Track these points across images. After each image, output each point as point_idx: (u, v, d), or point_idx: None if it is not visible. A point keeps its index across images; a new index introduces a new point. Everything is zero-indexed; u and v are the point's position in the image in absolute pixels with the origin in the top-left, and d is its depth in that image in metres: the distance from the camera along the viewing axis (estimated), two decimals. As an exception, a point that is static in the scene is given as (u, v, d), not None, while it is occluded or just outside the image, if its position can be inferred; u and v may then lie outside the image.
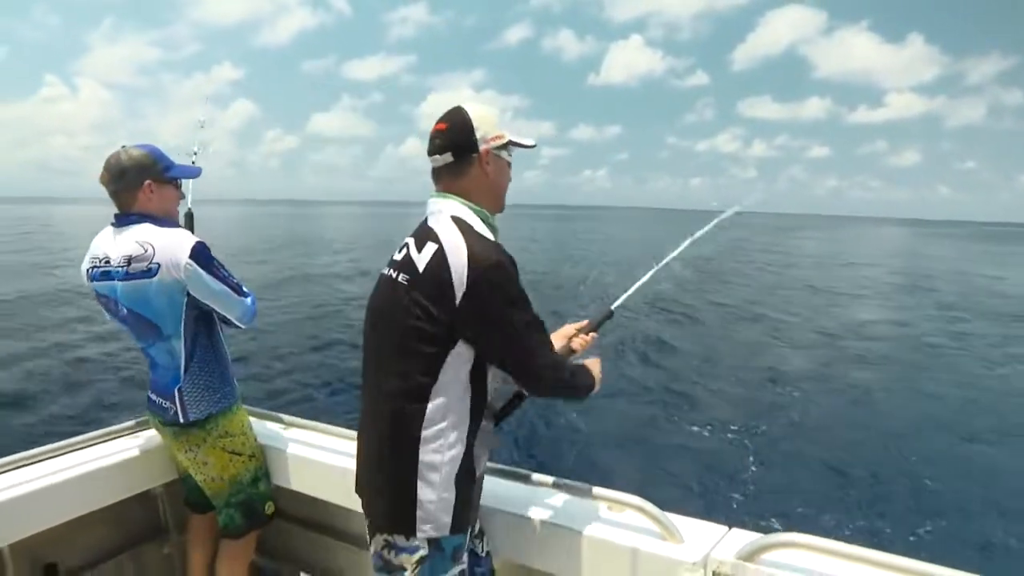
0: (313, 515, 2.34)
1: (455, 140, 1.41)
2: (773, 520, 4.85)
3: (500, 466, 1.78)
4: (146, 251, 1.82)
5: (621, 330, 12.89)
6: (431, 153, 1.44)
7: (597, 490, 1.65)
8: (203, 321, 1.95)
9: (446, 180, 1.43)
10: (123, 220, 1.91)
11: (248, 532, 2.11)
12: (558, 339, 1.68)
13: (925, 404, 8.47)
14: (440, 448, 1.31)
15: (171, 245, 1.83)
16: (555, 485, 1.69)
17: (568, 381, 1.43)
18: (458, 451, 1.33)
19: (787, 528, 1.41)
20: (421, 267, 1.31)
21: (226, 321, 1.98)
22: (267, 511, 2.14)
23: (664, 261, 1.92)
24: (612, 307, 1.78)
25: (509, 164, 1.50)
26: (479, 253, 1.28)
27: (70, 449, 2.10)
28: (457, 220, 1.36)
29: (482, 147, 1.41)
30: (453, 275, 1.27)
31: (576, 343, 1.68)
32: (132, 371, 8.43)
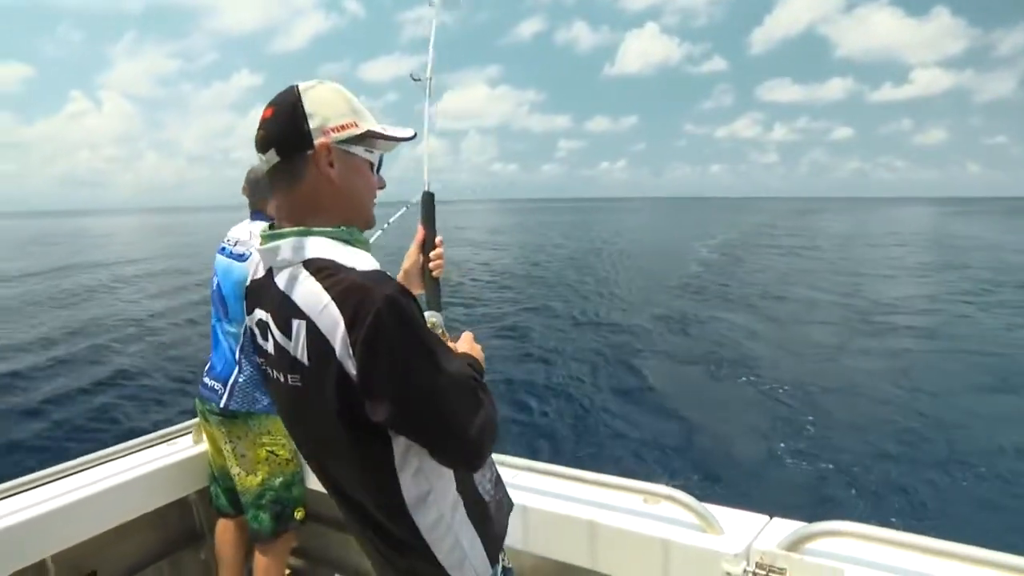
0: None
1: (280, 131, 1.03)
2: (815, 508, 4.78)
3: (534, 462, 1.78)
4: (251, 239, 2.05)
5: (652, 311, 12.82)
6: (257, 150, 1.06)
7: (632, 483, 1.64)
8: None
9: (278, 190, 1.07)
10: (254, 216, 2.18)
11: (276, 536, 2.12)
12: (411, 280, 1.41)
13: (969, 383, 8.26)
14: (433, 501, 1.07)
15: None
16: (590, 480, 1.68)
17: (496, 428, 1.06)
18: (460, 508, 1.11)
19: (830, 516, 1.38)
20: (305, 358, 0.98)
21: None
22: (297, 516, 2.15)
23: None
24: (426, 188, 1.46)
25: (372, 165, 1.11)
26: (354, 308, 0.92)
27: (108, 459, 2.15)
28: (313, 267, 0.99)
29: (318, 140, 1.02)
30: (338, 355, 0.93)
31: (436, 269, 1.39)
32: (165, 379, 8.63)
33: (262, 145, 1.04)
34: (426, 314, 1.24)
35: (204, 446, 2.26)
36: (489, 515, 1.19)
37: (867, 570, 1.30)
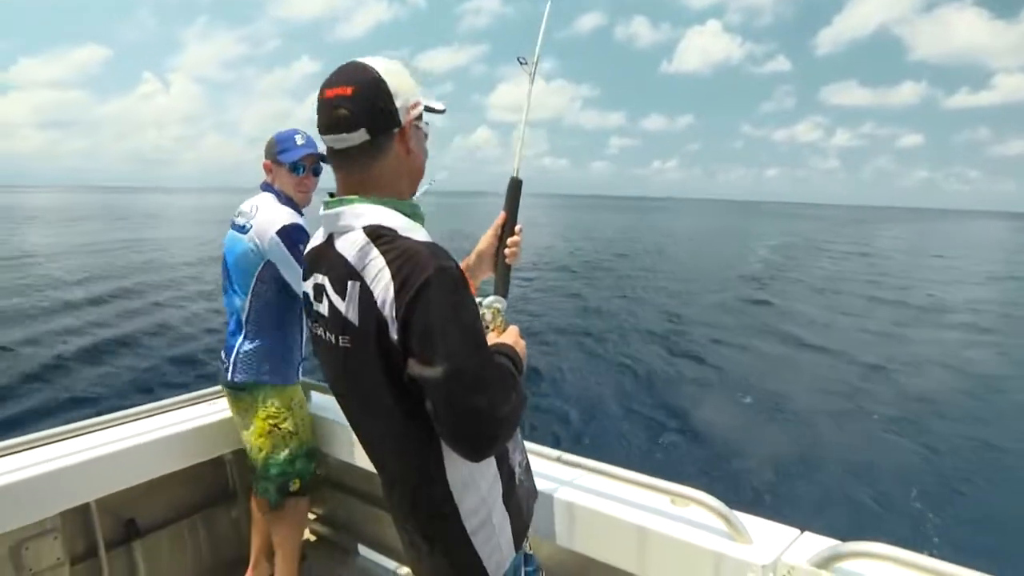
0: (370, 488, 2.41)
1: (370, 111, 1.03)
2: (849, 527, 4.61)
3: (565, 454, 1.77)
4: (251, 212, 2.06)
5: (701, 317, 12.58)
6: (332, 130, 1.04)
7: (661, 482, 1.61)
8: (276, 293, 2.06)
9: (354, 167, 1.07)
10: (263, 187, 2.16)
11: (280, 506, 2.15)
12: (482, 264, 1.41)
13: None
14: (480, 504, 1.11)
15: (268, 217, 2.02)
16: (617, 476, 1.66)
17: (518, 421, 1.08)
18: (497, 486, 1.14)
19: (863, 536, 1.33)
20: (356, 319, 1.01)
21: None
22: (292, 487, 2.15)
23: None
24: (515, 174, 1.43)
25: (427, 136, 1.16)
26: (406, 272, 0.96)
27: (149, 414, 2.25)
28: (373, 233, 1.02)
29: (403, 118, 1.06)
30: (385, 313, 0.97)
31: (509, 256, 1.38)
32: (210, 343, 9.03)
33: (347, 124, 1.02)
34: (491, 298, 1.28)
35: None
36: (519, 500, 1.21)
37: None
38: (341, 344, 1.05)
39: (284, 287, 2.05)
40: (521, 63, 1.45)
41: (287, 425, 2.13)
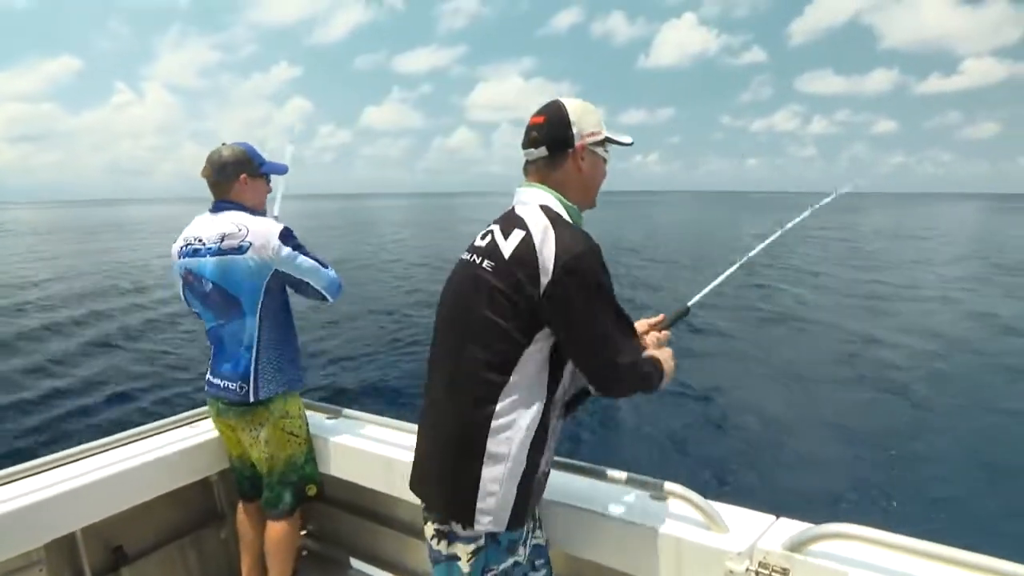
0: (362, 502, 2.44)
1: (551, 134, 1.39)
2: (824, 510, 4.68)
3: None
4: (240, 231, 2.03)
5: (672, 305, 12.66)
6: (526, 146, 1.43)
7: (638, 478, 1.65)
8: (279, 306, 2.10)
9: (539, 173, 1.42)
10: (219, 206, 2.12)
11: (293, 512, 2.19)
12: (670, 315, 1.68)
13: (991, 387, 7.95)
14: (509, 440, 1.29)
15: (263, 228, 2.04)
16: (596, 473, 1.69)
17: (645, 382, 1.37)
18: (526, 445, 1.30)
19: (837, 518, 1.37)
20: (507, 254, 1.29)
21: (318, 296, 2.13)
22: (309, 492, 2.23)
23: (748, 255, 1.86)
24: (689, 304, 1.73)
25: (605, 160, 1.48)
26: (568, 241, 1.26)
27: (133, 439, 2.24)
28: (546, 209, 1.35)
29: (578, 142, 1.40)
30: (540, 263, 1.25)
31: (649, 340, 1.59)
32: (185, 364, 8.88)
33: (534, 143, 1.41)
34: (666, 319, 1.63)
35: None
36: (532, 490, 1.35)
37: (871, 574, 1.29)
38: (483, 265, 1.33)
39: (285, 298, 2.13)
40: (741, 267, 1.86)
41: (301, 432, 2.19)
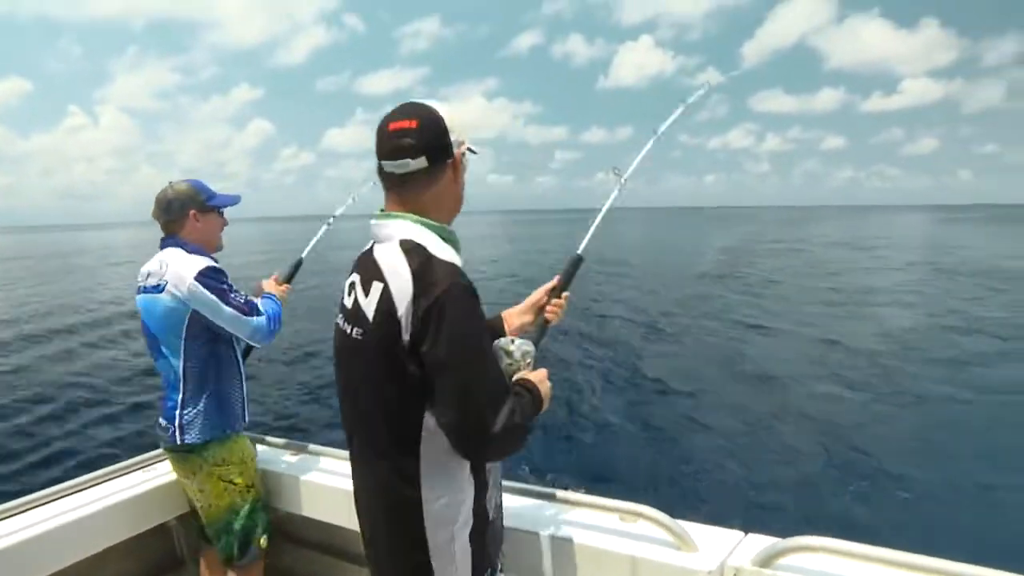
0: (331, 540, 2.34)
1: (430, 142, 1.19)
2: (793, 524, 4.70)
3: (509, 482, 1.76)
4: (161, 268, 1.99)
5: (620, 323, 12.75)
6: (394, 156, 1.19)
7: (604, 501, 1.63)
8: (208, 346, 1.99)
9: (410, 190, 1.22)
10: (162, 243, 2.09)
11: (244, 562, 2.09)
12: (527, 312, 1.54)
13: (949, 394, 8.21)
14: (447, 507, 1.18)
15: (182, 266, 1.95)
16: (561, 499, 1.67)
17: (519, 439, 1.16)
18: (467, 505, 1.20)
19: (805, 531, 1.37)
20: (371, 315, 1.15)
21: (246, 340, 2.04)
22: (261, 544, 2.11)
23: (630, 168, 1.77)
24: (579, 251, 1.59)
25: (466, 168, 1.33)
26: (426, 282, 1.10)
27: (86, 486, 2.13)
28: (406, 246, 1.17)
29: (456, 151, 1.24)
30: (400, 316, 1.10)
31: (550, 314, 1.49)
32: (140, 403, 8.47)
33: (411, 152, 1.18)
34: (523, 340, 1.39)
35: None
36: (486, 540, 1.26)
37: None
38: (354, 335, 1.19)
39: (215, 337, 2.00)
40: (616, 173, 1.74)
41: (241, 480, 2.07)
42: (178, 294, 1.91)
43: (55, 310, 16.86)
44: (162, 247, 2.07)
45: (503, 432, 1.10)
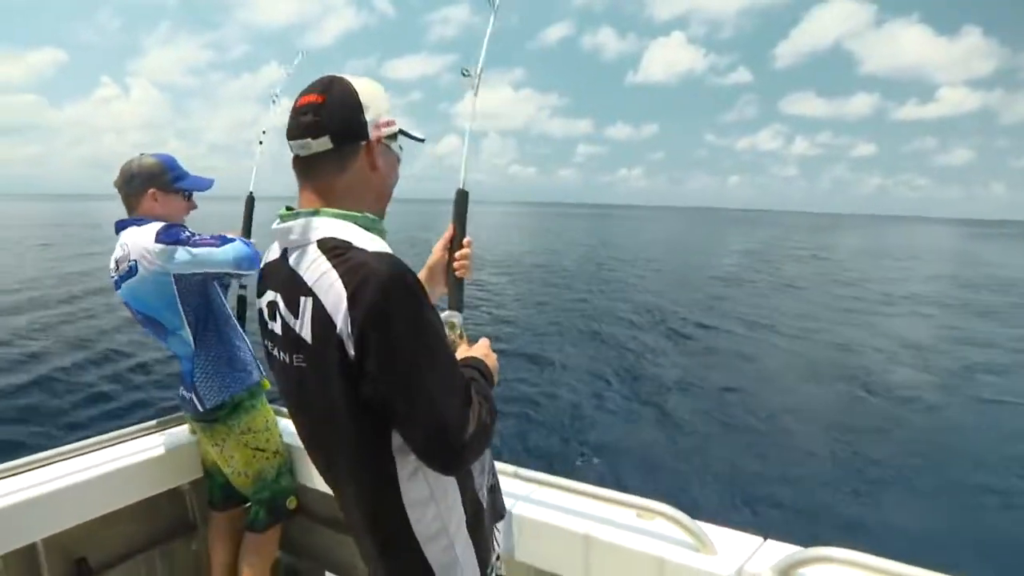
0: (338, 514, 2.36)
1: (337, 119, 1.02)
2: (812, 533, 4.68)
3: (529, 471, 1.76)
4: (124, 251, 1.89)
5: (662, 326, 12.70)
6: (297, 135, 1.03)
7: (625, 497, 1.61)
8: (204, 307, 1.98)
9: (318, 176, 1.05)
10: (118, 226, 1.97)
11: (269, 527, 2.13)
12: (433, 279, 1.33)
13: (980, 409, 8.08)
14: (437, 518, 1.07)
15: (139, 239, 1.87)
16: (583, 492, 1.65)
17: (490, 435, 1.02)
18: (458, 505, 1.10)
19: (827, 541, 1.35)
20: (309, 337, 0.97)
21: (234, 276, 2.01)
22: (289, 506, 2.16)
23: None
24: (461, 185, 1.37)
25: (399, 160, 1.15)
26: (358, 285, 0.91)
27: (100, 446, 2.16)
28: (326, 245, 0.99)
29: (372, 133, 1.05)
30: (340, 331, 0.92)
31: (460, 269, 1.30)
32: (159, 369, 8.67)
33: (313, 130, 1.01)
34: (445, 313, 1.22)
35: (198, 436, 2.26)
36: (483, 523, 1.18)
37: None
38: (295, 364, 1.02)
39: (203, 290, 1.97)
40: (464, 75, 1.42)
41: (269, 446, 2.10)
42: (151, 266, 1.85)
43: (95, 271, 17.34)
44: (117, 232, 1.96)
45: (474, 438, 0.96)
